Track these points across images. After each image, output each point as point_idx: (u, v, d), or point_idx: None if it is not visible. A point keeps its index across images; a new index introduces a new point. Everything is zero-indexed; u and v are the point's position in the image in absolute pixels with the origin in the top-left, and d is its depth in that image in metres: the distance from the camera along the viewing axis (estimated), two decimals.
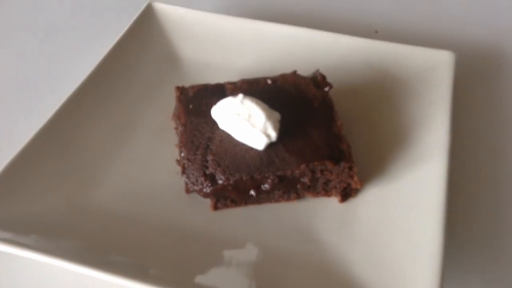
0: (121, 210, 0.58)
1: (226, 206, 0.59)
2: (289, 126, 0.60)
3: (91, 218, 0.57)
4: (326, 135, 0.59)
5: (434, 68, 0.71)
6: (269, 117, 0.58)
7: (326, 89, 0.64)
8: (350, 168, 0.57)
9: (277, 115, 0.60)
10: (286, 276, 0.52)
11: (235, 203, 0.59)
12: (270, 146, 0.58)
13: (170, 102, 0.67)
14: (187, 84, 0.66)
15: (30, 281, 0.55)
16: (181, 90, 0.65)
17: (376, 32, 0.89)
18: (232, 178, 0.56)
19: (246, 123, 0.58)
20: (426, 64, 0.71)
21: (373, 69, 0.73)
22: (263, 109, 0.58)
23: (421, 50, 0.72)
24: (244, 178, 0.56)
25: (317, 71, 0.67)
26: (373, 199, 0.59)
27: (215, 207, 0.59)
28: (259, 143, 0.58)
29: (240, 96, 0.59)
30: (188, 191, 0.59)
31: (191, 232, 0.57)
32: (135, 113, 0.69)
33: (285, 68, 0.68)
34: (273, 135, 0.58)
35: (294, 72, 0.67)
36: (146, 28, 0.76)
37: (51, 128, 0.62)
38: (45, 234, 0.53)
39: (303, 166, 0.56)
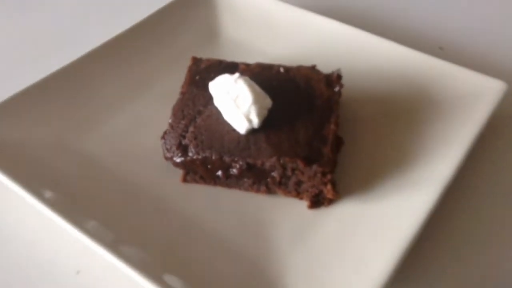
0: (102, 161, 0.60)
1: (195, 181, 0.58)
2: (281, 117, 0.57)
3: (73, 160, 0.60)
4: (313, 134, 0.55)
5: (475, 96, 0.63)
6: (256, 102, 0.55)
7: (336, 89, 0.60)
8: (324, 175, 0.53)
9: (268, 103, 0.57)
10: (218, 260, 0.50)
11: (204, 180, 0.57)
12: (253, 132, 0.56)
13: None
14: None
15: None
16: (195, 61, 0.65)
17: (440, 48, 0.81)
18: (202, 154, 0.55)
19: (232, 103, 0.56)
20: (468, 88, 0.64)
21: (407, 80, 0.67)
22: (253, 92, 0.56)
23: (467, 72, 0.65)
24: (213, 157, 0.55)
25: (338, 70, 0.63)
26: (345, 215, 0.54)
27: (184, 179, 0.58)
28: (241, 126, 0.56)
29: (236, 75, 0.58)
30: (165, 158, 0.59)
31: (155, 196, 0.57)
32: (154, 77, 0.70)
33: (320, 63, 0.65)
34: (255, 121, 0.55)
35: (313, 67, 0.64)
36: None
37: (69, 71, 0.66)
38: (25, 162, 0.56)
39: (273, 159, 0.53)
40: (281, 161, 0.53)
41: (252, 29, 0.78)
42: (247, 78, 0.58)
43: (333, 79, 0.61)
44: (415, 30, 0.85)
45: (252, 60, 0.67)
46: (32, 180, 0.54)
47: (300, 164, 0.53)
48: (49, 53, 0.80)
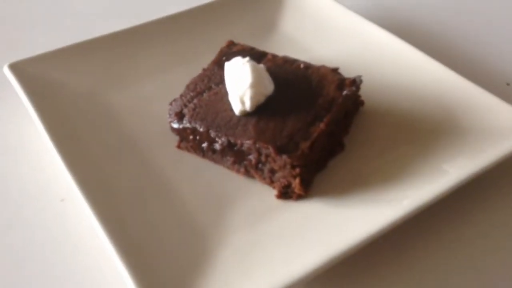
0: (117, 115, 0.66)
1: (187, 149, 0.61)
2: (279, 107, 0.58)
3: (92, 109, 0.66)
4: (298, 128, 0.56)
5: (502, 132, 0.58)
6: (253, 86, 0.57)
7: (344, 92, 0.59)
8: (293, 167, 0.53)
9: (268, 90, 0.59)
10: (166, 220, 0.53)
11: (194, 150, 0.61)
12: (247, 115, 0.58)
13: None
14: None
15: None
16: (229, 44, 0.69)
17: (507, 84, 0.74)
18: (193, 124, 0.59)
19: (232, 84, 0.59)
20: (499, 124, 0.59)
21: (439, 103, 0.65)
22: (254, 77, 0.58)
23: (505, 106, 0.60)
24: (201, 129, 0.58)
25: (359, 76, 0.62)
26: (306, 213, 0.54)
27: (179, 146, 0.62)
28: (236, 107, 0.58)
29: (246, 58, 0.60)
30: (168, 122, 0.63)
31: (148, 152, 0.61)
32: (196, 57, 0.72)
33: (359, 71, 0.64)
34: (248, 104, 0.57)
35: (335, 69, 0.63)
36: None
37: (120, 35, 0.74)
38: (54, 99, 0.65)
39: (250, 142, 0.55)
40: (257, 145, 0.55)
41: (309, 28, 0.79)
42: (255, 63, 0.60)
43: (346, 83, 0.60)
44: (483, 62, 0.78)
45: (297, 57, 0.67)
46: (50, 112, 0.61)
47: (272, 152, 0.53)
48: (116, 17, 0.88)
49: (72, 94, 0.67)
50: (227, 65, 0.62)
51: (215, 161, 0.60)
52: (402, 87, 0.68)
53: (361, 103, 0.66)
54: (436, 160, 0.57)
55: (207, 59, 0.68)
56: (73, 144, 0.59)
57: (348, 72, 0.64)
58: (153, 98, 0.68)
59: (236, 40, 0.71)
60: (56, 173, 0.60)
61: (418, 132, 0.62)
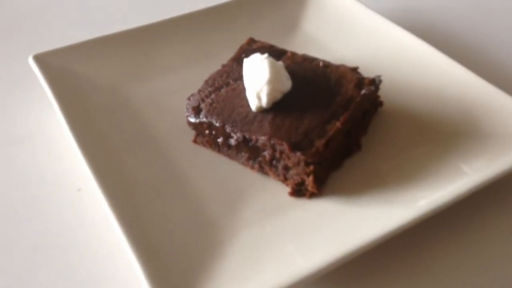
0: (136, 108, 0.67)
1: (203, 144, 0.62)
2: (296, 105, 0.58)
3: (112, 102, 0.67)
4: (314, 126, 0.56)
5: None
6: (270, 82, 0.57)
7: (363, 91, 0.59)
8: (307, 165, 0.53)
9: (286, 88, 0.59)
10: (179, 213, 0.54)
11: (209, 145, 0.61)
12: (264, 112, 0.58)
13: None
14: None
15: None
16: (249, 42, 0.69)
17: None
18: (209, 119, 0.59)
19: (250, 80, 0.59)
20: None
21: (461, 107, 0.64)
22: (271, 73, 0.58)
23: None
24: (217, 124, 0.58)
25: (378, 76, 0.62)
26: (318, 212, 0.53)
27: (195, 140, 0.62)
28: (252, 103, 0.58)
29: (265, 55, 0.60)
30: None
31: (165, 146, 0.62)
32: (218, 54, 0.71)
33: (379, 72, 0.64)
34: (264, 100, 0.57)
35: (354, 68, 0.63)
36: None
37: (144, 30, 0.75)
38: (76, 89, 0.66)
39: (265, 138, 0.55)
40: (271, 141, 0.54)
41: (330, 28, 0.79)
42: (273, 59, 0.60)
43: (365, 83, 0.60)
44: (507, 66, 0.77)
45: (318, 56, 0.67)
46: (71, 104, 0.63)
47: (286, 149, 0.53)
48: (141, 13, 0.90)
49: (93, 87, 0.68)
50: (246, 61, 0.62)
51: (230, 156, 0.60)
52: (422, 89, 0.67)
53: (380, 103, 0.65)
54: (455, 162, 0.56)
55: (227, 56, 0.68)
56: (91, 135, 0.60)
57: (368, 72, 0.63)
58: (172, 93, 0.69)
59: (257, 39, 0.70)
60: (75, 163, 0.61)
61: (437, 134, 0.61)
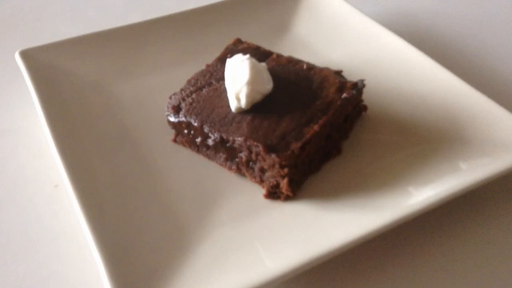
0: (120, 105, 0.67)
1: (182, 144, 0.61)
2: (276, 106, 0.58)
3: (96, 98, 0.67)
4: (291, 128, 0.55)
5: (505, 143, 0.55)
6: (250, 84, 0.57)
7: (344, 95, 0.58)
8: (282, 167, 0.52)
9: (267, 89, 0.58)
10: (152, 211, 0.53)
11: (188, 145, 0.61)
12: (243, 113, 0.58)
13: None
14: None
15: None
16: (235, 42, 0.68)
17: None
18: (188, 119, 0.58)
19: (230, 81, 0.58)
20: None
21: (448, 114, 0.62)
22: (251, 74, 0.57)
23: None
24: (195, 123, 0.58)
25: (361, 80, 0.61)
26: (291, 215, 0.53)
27: (175, 139, 0.62)
28: (232, 104, 0.58)
29: (247, 56, 0.60)
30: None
31: (144, 145, 0.62)
32: (205, 54, 0.71)
33: (367, 77, 0.64)
34: (243, 101, 0.57)
35: (338, 72, 0.62)
36: None
37: (134, 28, 0.75)
38: (60, 85, 0.66)
39: (241, 139, 0.54)
40: (248, 143, 0.54)
41: (321, 31, 0.79)
42: (255, 60, 0.59)
43: (347, 87, 0.59)
44: (494, 73, 0.76)
45: (307, 59, 0.66)
46: (53, 100, 0.62)
47: (262, 150, 0.53)
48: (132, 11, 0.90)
49: (78, 84, 0.68)
50: (228, 61, 0.61)
51: (208, 157, 0.60)
52: (410, 95, 0.66)
53: (364, 108, 0.64)
54: (432, 170, 0.55)
55: (215, 56, 0.68)
56: (69, 132, 0.60)
57: (355, 76, 0.63)
58: (156, 92, 0.68)
59: (247, 40, 0.70)
60: (53, 160, 0.60)
61: (419, 140, 0.60)
